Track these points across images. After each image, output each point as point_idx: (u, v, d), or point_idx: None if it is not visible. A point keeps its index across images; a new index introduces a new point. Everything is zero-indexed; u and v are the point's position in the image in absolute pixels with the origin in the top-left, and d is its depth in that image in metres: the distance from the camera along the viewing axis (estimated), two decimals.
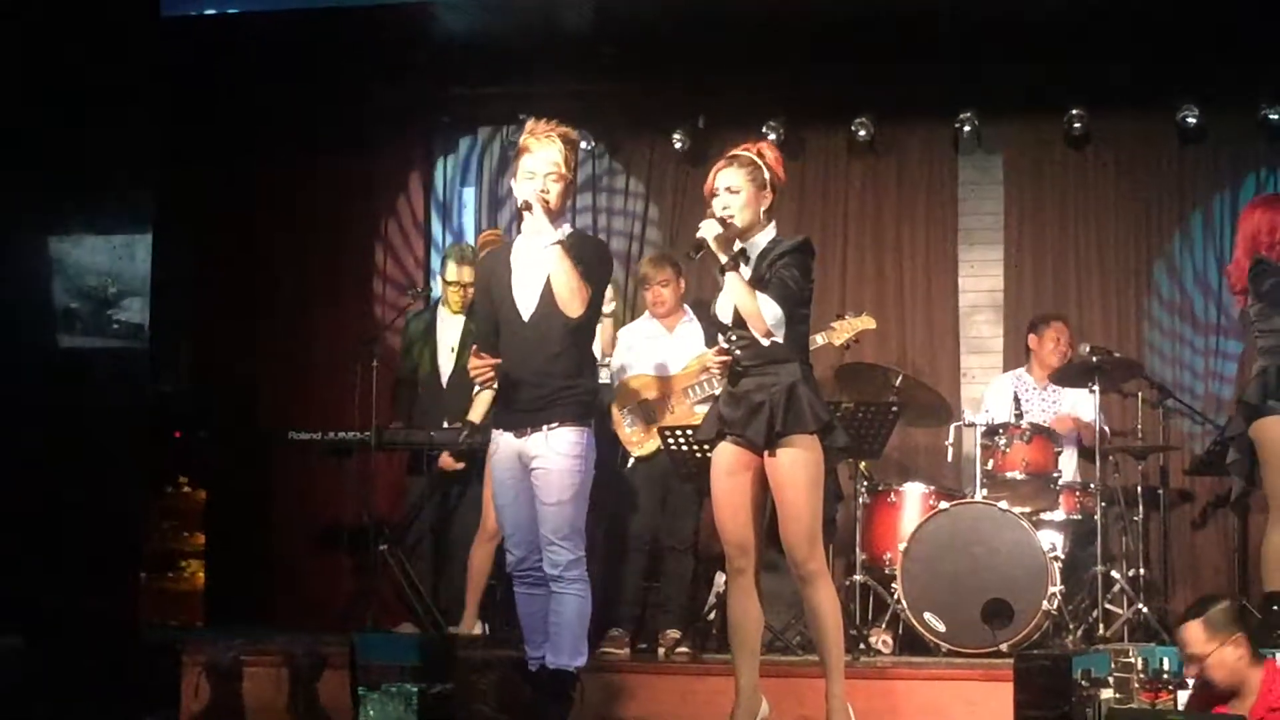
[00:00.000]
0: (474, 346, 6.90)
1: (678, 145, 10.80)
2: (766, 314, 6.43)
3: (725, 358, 6.65)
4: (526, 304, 6.84)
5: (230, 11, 9.26)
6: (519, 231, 7.08)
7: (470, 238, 11.14)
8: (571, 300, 6.69)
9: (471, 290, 9.40)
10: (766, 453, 6.55)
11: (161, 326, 7.85)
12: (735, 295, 6.48)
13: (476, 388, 8.61)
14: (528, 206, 6.75)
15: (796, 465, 6.53)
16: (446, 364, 9.59)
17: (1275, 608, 8.19)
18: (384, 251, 11.20)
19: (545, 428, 6.75)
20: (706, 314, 8.89)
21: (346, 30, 9.67)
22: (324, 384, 10.48)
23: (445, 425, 9.40)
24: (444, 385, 9.60)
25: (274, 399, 10.76)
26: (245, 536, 10.56)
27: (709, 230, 6.53)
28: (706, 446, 7.30)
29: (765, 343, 6.50)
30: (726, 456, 6.69)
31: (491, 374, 6.75)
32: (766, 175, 6.66)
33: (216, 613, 10.10)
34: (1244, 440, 8.34)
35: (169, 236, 9.59)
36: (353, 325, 10.73)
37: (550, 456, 6.75)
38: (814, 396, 6.60)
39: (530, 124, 6.87)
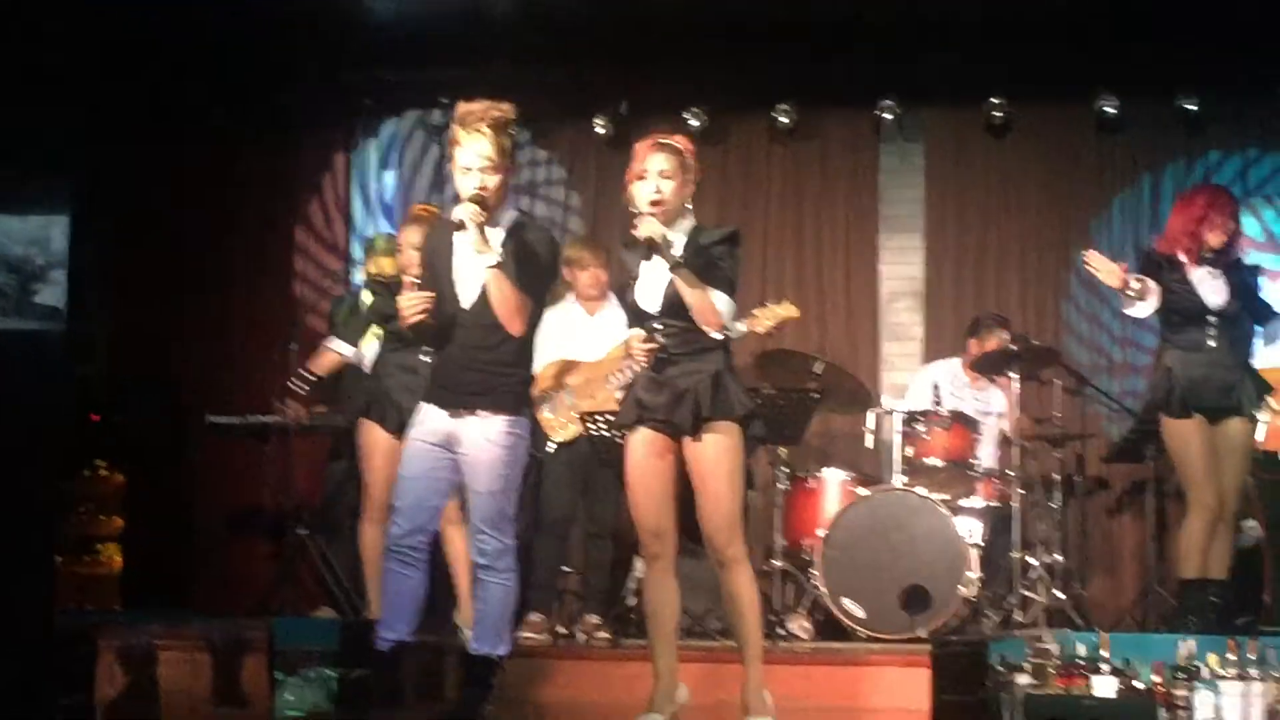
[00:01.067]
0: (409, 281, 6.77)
1: (600, 131, 10.79)
2: (720, 307, 6.48)
3: (653, 345, 6.62)
4: (467, 295, 6.72)
5: None
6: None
7: (395, 222, 11.10)
8: (511, 320, 6.61)
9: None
10: (690, 439, 6.55)
11: (80, 309, 7.80)
12: (686, 292, 6.44)
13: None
14: (462, 226, 6.60)
15: (721, 451, 6.54)
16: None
17: (1197, 594, 8.32)
18: (306, 236, 11.14)
19: (480, 413, 6.67)
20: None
21: (269, 13, 9.59)
22: (244, 368, 10.44)
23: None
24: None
25: (194, 382, 10.67)
26: (163, 520, 10.47)
27: (653, 228, 6.47)
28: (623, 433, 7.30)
29: (717, 335, 6.50)
30: (644, 442, 6.66)
31: (427, 307, 6.63)
32: (690, 163, 6.65)
33: (133, 597, 10.02)
34: (1157, 434, 8.58)
35: (90, 220, 9.58)
36: (274, 309, 10.69)
37: (482, 444, 6.66)
38: (738, 385, 6.64)
39: (460, 109, 6.66)
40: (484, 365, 6.70)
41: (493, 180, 6.62)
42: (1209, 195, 8.67)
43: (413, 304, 6.65)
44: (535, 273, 6.73)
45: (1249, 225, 9.46)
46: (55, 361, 4.66)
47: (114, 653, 6.82)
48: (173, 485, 10.62)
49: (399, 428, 7.89)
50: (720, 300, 6.48)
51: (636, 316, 6.74)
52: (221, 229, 11.00)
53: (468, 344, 6.71)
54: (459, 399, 6.70)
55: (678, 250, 6.53)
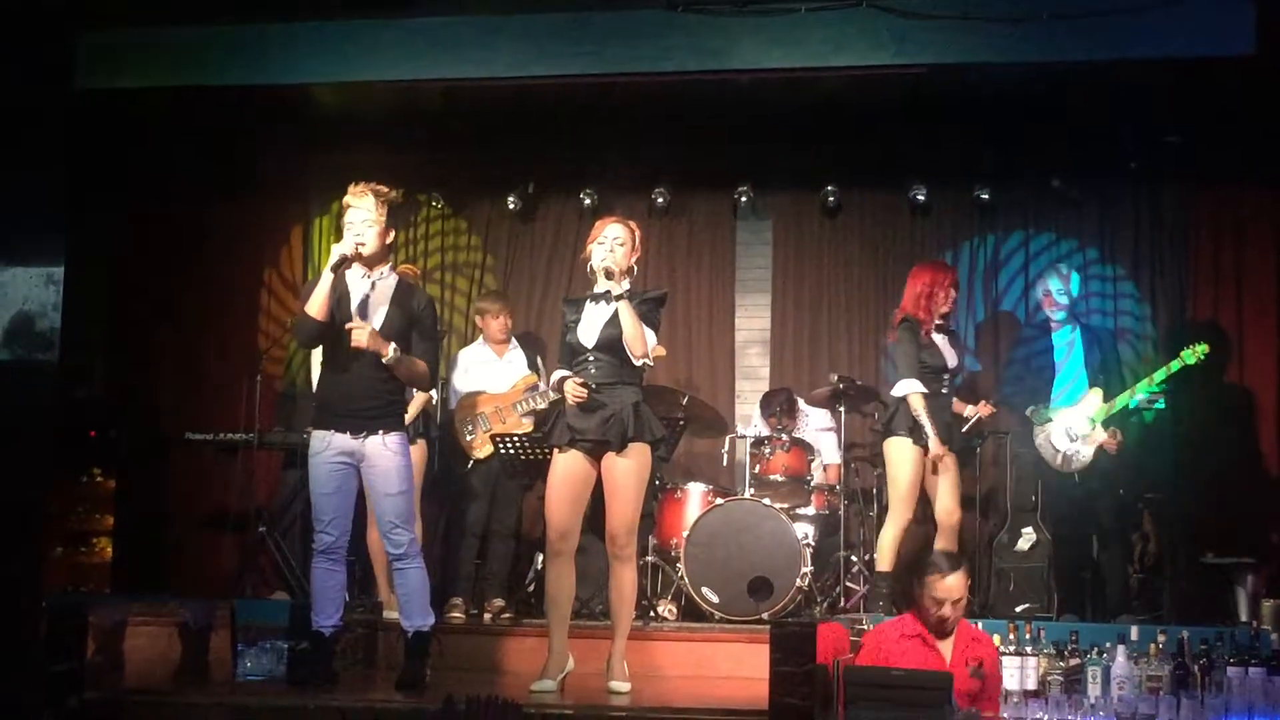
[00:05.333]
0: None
1: (511, 206, 10.72)
2: (649, 341, 6.68)
3: (585, 390, 6.67)
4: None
5: (144, 87, 8.97)
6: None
7: None
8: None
9: None
10: (615, 454, 6.66)
11: (79, 344, 7.65)
12: (626, 322, 6.62)
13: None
14: (346, 262, 6.71)
15: (638, 466, 6.70)
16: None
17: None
18: (268, 288, 10.97)
19: (381, 432, 6.69)
20: (530, 343, 9.00)
21: (239, 104, 9.44)
22: (215, 394, 10.28)
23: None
24: None
25: (173, 405, 10.50)
26: (147, 519, 10.31)
27: (614, 261, 6.69)
28: (531, 451, 7.87)
29: (638, 363, 6.69)
30: (570, 461, 6.77)
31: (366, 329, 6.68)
32: (637, 240, 6.87)
33: (121, 581, 9.87)
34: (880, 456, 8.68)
35: (91, 270, 9.42)
36: (240, 347, 10.55)
37: (387, 455, 6.69)
38: (652, 415, 6.81)
39: (351, 186, 6.78)
40: (379, 393, 6.73)
41: (369, 233, 6.72)
42: (938, 269, 8.75)
43: (360, 330, 6.64)
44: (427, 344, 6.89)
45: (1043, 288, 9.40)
46: (47, 386, 4.56)
47: (102, 627, 6.69)
48: (155, 490, 10.45)
49: None
50: (649, 335, 6.69)
51: (573, 352, 6.83)
52: (200, 281, 10.80)
53: (365, 375, 6.69)
54: (362, 423, 6.70)
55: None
